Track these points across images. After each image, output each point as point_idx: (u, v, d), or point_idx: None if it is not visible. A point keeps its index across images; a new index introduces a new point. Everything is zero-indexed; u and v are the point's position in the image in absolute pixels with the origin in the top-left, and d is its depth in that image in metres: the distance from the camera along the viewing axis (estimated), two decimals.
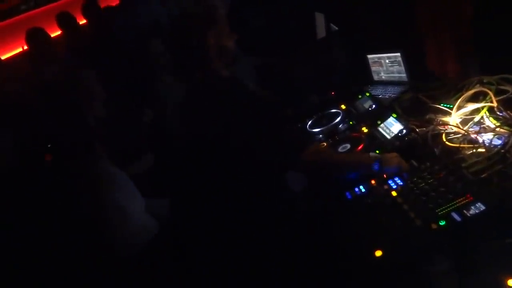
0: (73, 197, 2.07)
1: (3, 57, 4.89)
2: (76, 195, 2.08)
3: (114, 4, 5.08)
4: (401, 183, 1.72)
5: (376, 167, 1.78)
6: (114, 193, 2.19)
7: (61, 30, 4.72)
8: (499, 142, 1.71)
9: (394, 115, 2.15)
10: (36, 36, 3.96)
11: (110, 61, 3.87)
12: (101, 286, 2.01)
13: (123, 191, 2.25)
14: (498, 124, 1.82)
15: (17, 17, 5.70)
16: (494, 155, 1.64)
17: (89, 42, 4.49)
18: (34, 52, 3.99)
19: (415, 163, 1.81)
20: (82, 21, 5.04)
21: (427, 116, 2.14)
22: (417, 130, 2.03)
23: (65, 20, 4.60)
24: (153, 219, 2.38)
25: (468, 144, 1.81)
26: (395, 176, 1.78)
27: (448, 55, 2.49)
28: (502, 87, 1.99)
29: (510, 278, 1.19)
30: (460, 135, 1.88)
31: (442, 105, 2.13)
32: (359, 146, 2.12)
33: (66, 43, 4.64)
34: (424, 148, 1.92)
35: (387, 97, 2.61)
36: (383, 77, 2.86)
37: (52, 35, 4.56)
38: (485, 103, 1.94)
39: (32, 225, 2.00)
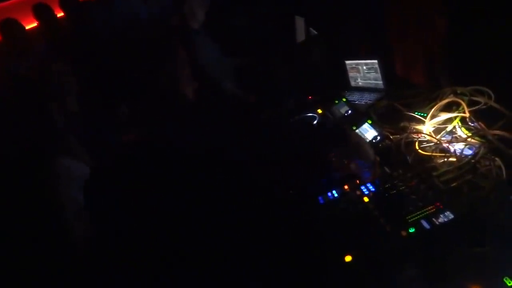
0: (32, 192, 2.03)
1: None
2: (35, 189, 2.04)
3: None
4: (373, 190, 1.73)
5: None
6: (73, 189, 2.15)
7: (37, 21, 4.63)
8: (470, 152, 1.74)
9: (369, 122, 2.17)
10: (9, 28, 3.86)
11: (87, 56, 3.82)
12: (61, 281, 1.97)
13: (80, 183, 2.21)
14: (469, 134, 1.85)
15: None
16: (465, 165, 1.67)
17: (66, 36, 4.41)
18: (6, 44, 3.89)
19: (387, 170, 1.82)
20: (59, 14, 4.96)
21: (402, 124, 2.16)
22: (391, 137, 2.06)
23: (41, 11, 4.51)
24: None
25: (440, 153, 1.83)
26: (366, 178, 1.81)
27: (419, 65, 2.52)
28: (474, 98, 2.03)
29: (475, 286, 1.21)
30: (433, 143, 1.91)
31: (416, 113, 2.16)
32: None
33: (42, 36, 4.55)
34: (397, 155, 1.94)
35: (363, 103, 2.63)
36: (360, 83, 2.88)
37: (28, 27, 4.45)
38: (457, 113, 1.97)
39: None
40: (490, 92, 2.03)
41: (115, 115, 3.04)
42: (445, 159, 1.78)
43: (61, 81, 2.74)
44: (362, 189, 1.76)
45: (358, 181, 1.82)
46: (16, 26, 3.87)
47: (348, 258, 1.46)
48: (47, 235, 2.04)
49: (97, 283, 1.69)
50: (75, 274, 2.00)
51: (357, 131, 2.19)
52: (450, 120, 1.98)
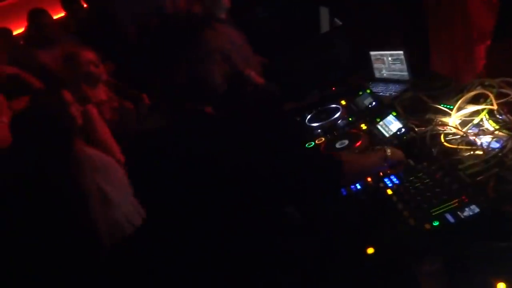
0: (52, 178, 2.05)
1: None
2: (56, 176, 2.06)
3: None
4: (397, 182, 1.72)
5: (388, 162, 1.78)
6: (95, 176, 2.17)
7: (64, 11, 4.70)
8: (497, 145, 1.70)
9: (394, 113, 2.14)
10: (37, 17, 3.92)
11: (110, 48, 3.85)
12: (82, 274, 2.00)
13: (105, 175, 2.24)
14: (497, 127, 1.81)
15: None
16: (492, 158, 1.63)
17: (90, 27, 4.46)
18: (34, 33, 3.95)
19: (412, 163, 1.80)
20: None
21: (427, 116, 2.13)
22: (415, 129, 2.03)
23: (69, 1, 4.57)
24: (139, 211, 2.38)
25: (466, 145, 1.80)
26: (395, 170, 1.78)
27: (453, 55, 2.47)
28: (503, 90, 1.98)
29: (500, 282, 1.19)
30: (459, 136, 1.88)
31: (442, 105, 2.12)
32: (357, 143, 2.11)
33: (70, 26, 4.62)
34: (422, 148, 1.91)
35: (387, 95, 2.60)
36: (384, 74, 2.85)
37: (56, 16, 4.52)
38: (485, 105, 1.93)
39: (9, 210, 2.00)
40: None
41: (137, 106, 3.07)
42: (472, 152, 1.75)
43: (92, 68, 2.78)
44: (385, 181, 1.75)
45: (381, 173, 1.80)
46: (44, 16, 3.93)
47: (370, 250, 1.46)
48: (73, 224, 2.08)
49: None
50: (98, 265, 2.04)
51: (381, 123, 2.17)
52: (477, 113, 1.94)
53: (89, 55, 2.78)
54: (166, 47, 1.54)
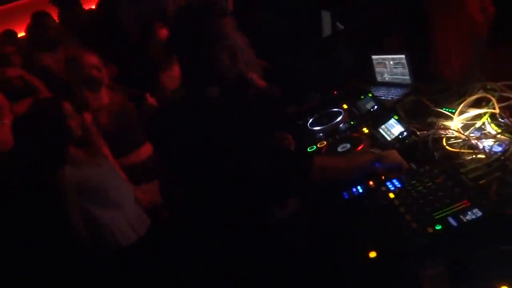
0: (41, 202, 2.07)
1: None
2: (44, 200, 2.08)
3: None
4: (399, 185, 1.71)
5: (377, 164, 1.78)
6: (87, 202, 2.20)
7: (66, 14, 4.70)
8: (500, 149, 1.70)
9: (396, 117, 2.14)
10: (40, 19, 3.92)
11: (113, 47, 3.86)
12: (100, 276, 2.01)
13: (98, 199, 2.26)
14: (499, 130, 1.81)
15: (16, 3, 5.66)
16: (494, 162, 1.63)
17: (93, 28, 4.47)
18: (37, 35, 3.96)
19: (414, 166, 1.80)
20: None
21: (429, 120, 2.13)
22: (417, 133, 2.03)
23: (69, 4, 4.58)
24: (142, 219, 2.40)
25: (468, 149, 1.80)
26: (395, 174, 1.78)
27: (455, 59, 2.47)
28: (505, 94, 1.99)
29: (503, 286, 1.19)
30: (461, 140, 1.88)
31: (444, 109, 2.12)
32: (359, 146, 2.11)
33: (72, 28, 4.63)
34: (424, 152, 1.91)
35: (389, 98, 2.60)
36: (386, 78, 2.85)
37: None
38: (487, 109, 1.93)
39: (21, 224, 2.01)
40: None
41: (141, 109, 3.08)
42: (474, 156, 1.75)
43: (95, 72, 2.78)
44: (387, 185, 1.75)
45: (383, 177, 1.80)
46: (47, 18, 3.93)
47: (372, 254, 1.45)
48: (59, 243, 2.08)
49: None
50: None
51: (383, 126, 2.17)
52: (479, 116, 1.94)
53: (92, 58, 2.78)
54: (182, 30, 1.60)
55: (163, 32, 3.50)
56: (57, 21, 4.07)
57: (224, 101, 1.73)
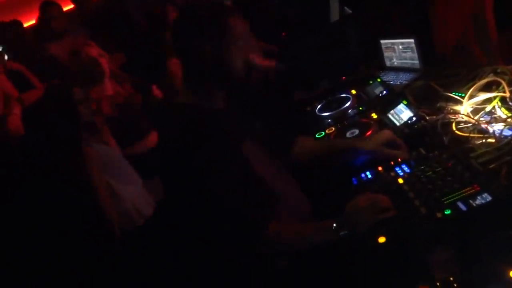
0: (61, 175, 2.08)
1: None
2: (68, 172, 2.09)
3: None
4: (408, 171, 1.71)
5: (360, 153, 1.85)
6: (106, 174, 2.20)
7: (73, 4, 4.71)
8: (510, 133, 1.69)
9: (405, 102, 2.13)
10: (48, 8, 3.93)
11: (121, 35, 3.86)
12: (95, 262, 2.03)
13: (115, 173, 2.27)
14: (509, 114, 1.79)
15: None
16: (504, 146, 1.62)
17: (101, 19, 4.47)
18: (43, 25, 3.96)
19: (423, 151, 1.79)
20: None
21: (438, 104, 2.11)
22: (427, 118, 2.01)
23: None
24: (149, 203, 2.41)
25: (478, 134, 1.78)
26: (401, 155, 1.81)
27: (463, 42, 2.44)
28: None
29: None
30: (471, 124, 1.86)
31: (453, 93, 2.10)
32: (367, 132, 2.10)
33: (78, 18, 4.63)
34: (433, 137, 1.90)
35: (398, 83, 2.59)
36: (395, 63, 2.83)
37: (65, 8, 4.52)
38: (497, 93, 1.91)
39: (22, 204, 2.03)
40: None
41: (147, 100, 3.08)
42: (484, 140, 1.73)
43: (93, 64, 2.79)
44: (396, 170, 1.74)
45: (392, 162, 1.80)
46: (53, 8, 3.94)
47: (382, 239, 1.45)
48: (84, 217, 2.10)
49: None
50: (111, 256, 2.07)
51: (392, 112, 2.16)
52: (489, 100, 1.92)
53: (92, 51, 2.79)
54: (190, 35, 1.56)
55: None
56: (63, 10, 4.05)
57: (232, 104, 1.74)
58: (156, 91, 3.08)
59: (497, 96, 1.89)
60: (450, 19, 2.47)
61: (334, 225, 1.50)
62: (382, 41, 2.88)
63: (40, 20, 3.98)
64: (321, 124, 2.46)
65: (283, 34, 4.21)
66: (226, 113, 1.70)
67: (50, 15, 3.90)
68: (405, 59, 2.71)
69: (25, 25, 4.35)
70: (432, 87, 2.29)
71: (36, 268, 2.00)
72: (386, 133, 1.87)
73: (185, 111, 1.62)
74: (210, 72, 1.58)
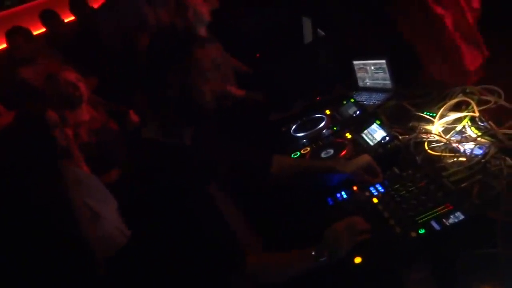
0: (42, 199, 2.03)
1: None
2: (45, 197, 2.04)
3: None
4: (382, 190, 1.72)
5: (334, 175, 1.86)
6: (84, 196, 2.16)
7: (44, 27, 4.67)
8: (480, 152, 1.72)
9: (378, 122, 2.16)
10: (16, 34, 3.86)
11: (96, 61, 3.83)
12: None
13: (93, 193, 2.23)
14: (479, 133, 1.84)
15: (1, 13, 5.58)
16: (475, 165, 1.65)
17: (74, 42, 4.44)
18: (13, 51, 3.90)
19: (397, 171, 1.81)
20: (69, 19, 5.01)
21: (410, 124, 2.15)
22: (400, 137, 2.04)
23: (49, 17, 4.55)
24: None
25: (449, 153, 1.82)
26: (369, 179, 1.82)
27: (431, 63, 2.49)
28: (484, 97, 2.01)
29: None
30: (442, 143, 1.90)
31: (425, 113, 2.14)
32: (342, 152, 2.12)
33: (50, 42, 4.59)
34: (406, 156, 1.93)
35: (371, 103, 2.62)
36: (368, 83, 2.87)
37: (36, 32, 4.48)
38: (467, 112, 1.96)
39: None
40: (500, 91, 2.01)
41: (123, 124, 3.05)
42: (455, 159, 1.76)
43: (71, 89, 2.75)
44: (371, 190, 1.76)
45: (367, 179, 1.82)
46: (20, 35, 3.87)
47: (357, 260, 1.45)
48: (62, 239, 2.05)
49: None
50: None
51: (365, 131, 2.18)
52: (459, 120, 1.96)
53: (70, 75, 2.75)
54: (156, 67, 1.51)
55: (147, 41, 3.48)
56: (30, 35, 3.99)
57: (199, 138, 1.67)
58: (134, 116, 3.05)
59: (466, 115, 1.94)
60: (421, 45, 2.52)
61: (313, 252, 1.48)
62: (355, 62, 2.92)
63: (9, 46, 3.92)
64: (296, 144, 2.47)
65: (257, 55, 4.24)
66: (193, 151, 1.62)
67: (14, 44, 3.84)
68: (378, 79, 2.76)
69: None
70: (404, 107, 2.33)
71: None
72: (366, 158, 1.87)
73: (152, 148, 1.53)
74: (177, 105, 1.51)
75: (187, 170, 1.51)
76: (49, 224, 2.04)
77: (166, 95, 1.49)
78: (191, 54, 1.50)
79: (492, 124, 1.85)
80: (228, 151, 1.82)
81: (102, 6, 4.49)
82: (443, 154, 1.82)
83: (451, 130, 1.95)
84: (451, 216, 1.42)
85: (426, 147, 1.91)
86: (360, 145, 2.15)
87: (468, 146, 1.80)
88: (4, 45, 4.22)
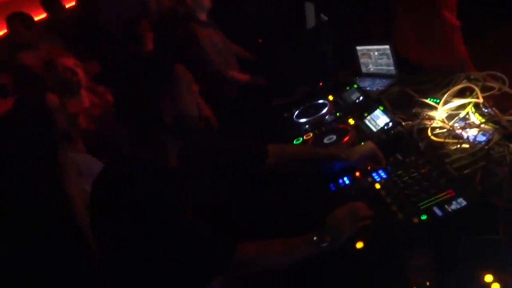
0: (41, 185, 2.02)
1: None
2: (44, 183, 2.04)
3: None
4: (385, 176, 1.72)
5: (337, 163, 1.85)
6: (83, 183, 2.15)
7: (46, 13, 4.65)
8: (484, 138, 1.72)
9: (381, 108, 2.15)
10: (17, 19, 3.83)
11: (97, 48, 3.82)
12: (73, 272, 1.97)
13: (90, 178, 2.22)
14: (483, 120, 1.83)
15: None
16: (478, 151, 1.65)
17: (75, 26, 4.42)
18: (13, 36, 3.88)
19: (399, 157, 1.81)
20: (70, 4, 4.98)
21: (414, 110, 2.14)
22: (403, 123, 2.03)
23: (49, 2, 4.52)
24: None
25: (453, 139, 1.81)
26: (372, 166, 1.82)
27: (433, 49, 2.48)
28: (488, 84, 2.00)
29: (487, 274, 1.20)
30: (446, 130, 1.89)
31: (429, 99, 2.13)
32: (345, 138, 2.11)
33: (51, 28, 4.57)
34: (409, 142, 1.92)
35: (374, 89, 2.61)
36: (371, 69, 2.85)
37: (37, 18, 4.44)
38: (471, 99, 1.94)
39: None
40: (505, 77, 1.99)
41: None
42: (458, 146, 1.76)
43: (69, 75, 2.73)
44: (373, 176, 1.76)
45: (369, 167, 1.81)
46: (21, 21, 3.84)
47: (359, 245, 1.46)
48: (58, 226, 2.05)
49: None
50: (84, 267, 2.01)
51: (368, 117, 2.17)
52: (463, 106, 1.95)
53: (67, 61, 2.73)
54: (145, 87, 1.44)
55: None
56: (31, 21, 3.95)
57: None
58: None
59: (470, 102, 1.93)
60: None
61: (315, 238, 1.48)
62: (358, 48, 2.90)
63: (9, 31, 3.90)
64: (298, 130, 2.46)
65: (260, 40, 4.21)
66: (178, 173, 1.55)
67: (13, 29, 3.81)
68: (381, 65, 2.74)
69: None
70: (407, 93, 2.32)
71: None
72: (371, 146, 1.86)
73: (137, 168, 1.45)
74: (166, 123, 1.44)
75: (171, 194, 1.41)
76: (48, 210, 2.04)
77: (156, 114, 1.43)
78: (172, 73, 1.46)
79: (496, 111, 1.84)
80: (221, 152, 1.79)
81: None
82: (446, 140, 1.82)
83: (455, 116, 1.94)
84: (454, 203, 1.42)
85: (429, 134, 1.90)
86: (363, 131, 2.14)
87: (471, 133, 1.79)
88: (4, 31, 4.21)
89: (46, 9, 4.59)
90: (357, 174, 1.82)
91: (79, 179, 2.15)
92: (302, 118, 2.55)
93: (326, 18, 3.51)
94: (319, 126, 2.39)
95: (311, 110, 2.58)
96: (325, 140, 2.18)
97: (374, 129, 2.09)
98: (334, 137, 2.17)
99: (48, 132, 2.13)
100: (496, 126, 1.76)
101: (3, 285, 1.97)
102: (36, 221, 1.99)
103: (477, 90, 1.94)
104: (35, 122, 2.14)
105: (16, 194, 2.02)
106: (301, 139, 2.33)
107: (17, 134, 2.12)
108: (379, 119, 2.11)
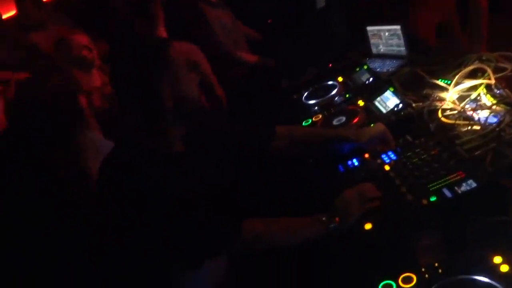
0: (57, 166, 2.03)
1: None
2: (60, 163, 2.04)
3: None
4: (395, 158, 1.71)
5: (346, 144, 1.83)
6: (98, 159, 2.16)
7: None
8: (495, 120, 1.70)
9: (391, 89, 2.13)
10: (24, 1, 3.81)
11: (103, 26, 3.79)
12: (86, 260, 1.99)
13: None
14: (494, 101, 1.81)
15: None
16: (489, 133, 1.63)
17: (83, 6, 4.40)
18: (23, 16, 3.87)
19: (409, 138, 1.80)
20: None
21: (424, 92, 2.12)
22: (413, 105, 2.02)
23: None
24: None
25: (463, 121, 1.80)
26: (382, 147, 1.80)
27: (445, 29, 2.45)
28: (501, 65, 1.97)
29: (497, 255, 1.20)
30: (456, 111, 1.87)
31: (440, 80, 2.11)
32: (354, 119, 2.10)
33: (61, 7, 4.55)
34: (419, 124, 1.91)
35: (385, 70, 2.59)
36: (381, 50, 2.82)
37: None
38: (482, 80, 1.92)
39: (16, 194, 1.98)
40: None
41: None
42: (469, 127, 1.74)
43: (85, 52, 2.73)
44: (383, 158, 1.75)
45: (379, 149, 1.81)
46: (26, 2, 3.82)
47: (368, 226, 1.46)
48: (77, 207, 2.06)
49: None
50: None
51: (378, 99, 2.16)
52: (474, 87, 1.93)
53: (82, 39, 2.73)
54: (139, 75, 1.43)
55: None
56: (40, 1, 3.94)
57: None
58: None
59: (482, 83, 1.90)
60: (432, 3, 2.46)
61: (324, 218, 1.49)
62: (369, 28, 2.87)
63: (17, 14, 3.89)
64: (307, 111, 2.45)
65: (269, 20, 4.18)
66: (183, 157, 1.53)
67: (23, 10, 3.80)
68: (392, 46, 2.71)
69: (6, 16, 4.26)
70: (418, 74, 2.30)
71: (23, 269, 1.97)
72: (380, 127, 1.84)
73: (143, 156, 1.45)
74: (166, 107, 1.44)
75: (179, 181, 1.42)
76: (65, 191, 2.05)
77: (159, 101, 1.43)
78: (166, 57, 1.44)
79: (508, 92, 1.82)
80: (228, 133, 1.79)
81: None
82: (457, 122, 1.80)
83: (466, 97, 1.92)
84: (463, 184, 1.41)
85: (440, 115, 1.89)
86: (372, 113, 2.13)
87: (482, 114, 1.77)
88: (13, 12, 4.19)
89: None
90: (366, 155, 1.81)
91: (96, 158, 2.16)
92: (311, 99, 2.54)
93: None
94: (328, 107, 2.38)
95: (321, 91, 2.57)
96: (335, 122, 2.17)
97: (384, 111, 2.08)
98: (344, 119, 2.16)
99: (63, 113, 2.13)
100: (508, 108, 1.74)
101: (19, 266, 2.00)
102: (53, 201, 2.01)
103: (489, 71, 1.92)
104: (50, 102, 2.13)
105: (32, 174, 2.03)
106: (310, 120, 2.32)
107: (31, 115, 2.13)
108: (389, 101, 2.09)
